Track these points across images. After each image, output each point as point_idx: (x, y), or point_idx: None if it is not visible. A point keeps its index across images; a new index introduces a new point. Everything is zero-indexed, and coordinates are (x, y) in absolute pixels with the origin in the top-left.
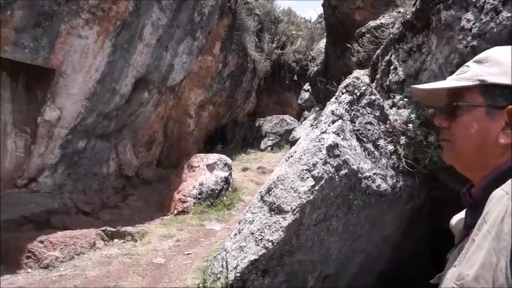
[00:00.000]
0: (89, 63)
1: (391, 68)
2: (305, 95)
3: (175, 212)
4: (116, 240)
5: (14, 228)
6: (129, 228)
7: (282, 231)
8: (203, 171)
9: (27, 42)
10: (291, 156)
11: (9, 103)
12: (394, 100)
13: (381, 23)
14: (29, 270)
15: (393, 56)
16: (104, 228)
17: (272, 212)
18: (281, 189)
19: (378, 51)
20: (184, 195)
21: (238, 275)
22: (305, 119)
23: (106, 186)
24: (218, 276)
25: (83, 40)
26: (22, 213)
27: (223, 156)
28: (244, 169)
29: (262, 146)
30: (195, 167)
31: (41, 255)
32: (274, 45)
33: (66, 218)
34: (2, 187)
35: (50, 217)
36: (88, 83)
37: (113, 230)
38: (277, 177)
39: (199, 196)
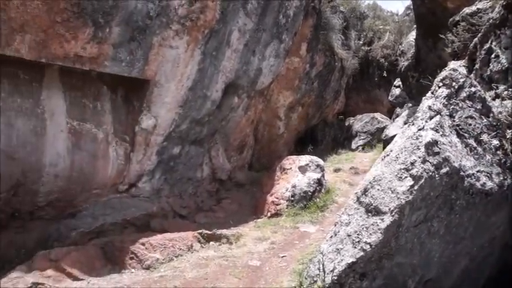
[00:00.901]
0: (181, 72)
1: (492, 56)
2: (396, 91)
3: (269, 214)
4: (211, 242)
5: (118, 231)
6: (224, 231)
7: (380, 233)
8: (295, 173)
9: (124, 56)
10: (387, 155)
11: (110, 114)
12: (497, 91)
13: (477, 8)
14: (133, 270)
15: (494, 43)
16: (200, 231)
17: (369, 214)
18: (378, 189)
19: (476, 39)
20: (277, 198)
21: (336, 278)
22: (397, 116)
23: (200, 190)
24: (315, 279)
25: (174, 50)
26: (124, 217)
27: (315, 158)
28: (336, 170)
29: (353, 145)
30: (287, 169)
31: (143, 257)
32: (361, 42)
33: (165, 221)
34: (106, 192)
35: (149, 220)
36: (180, 91)
37: (209, 232)
38: (373, 178)
39: (292, 198)
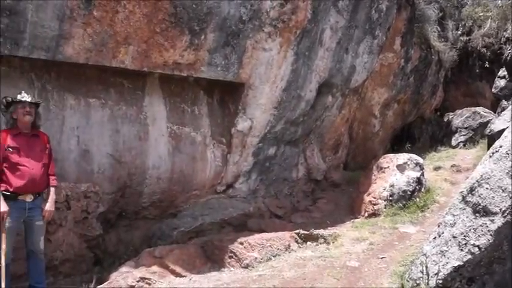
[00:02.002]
0: (274, 74)
1: None
2: (501, 83)
3: (366, 214)
4: (309, 242)
5: (216, 230)
6: (321, 231)
7: (490, 235)
8: (393, 172)
9: (219, 61)
10: (496, 151)
11: (207, 117)
12: None
13: None
14: (232, 268)
15: None
16: (297, 231)
17: (477, 214)
18: (486, 188)
19: None
20: (374, 197)
21: (440, 281)
22: (503, 109)
23: (296, 190)
24: (417, 282)
25: (267, 52)
26: (222, 217)
27: (414, 156)
28: (436, 168)
29: (453, 142)
30: (385, 168)
31: (242, 256)
32: (459, 32)
33: (261, 221)
34: (205, 193)
35: (246, 220)
36: (275, 92)
37: (306, 232)
38: (481, 176)
39: (391, 198)
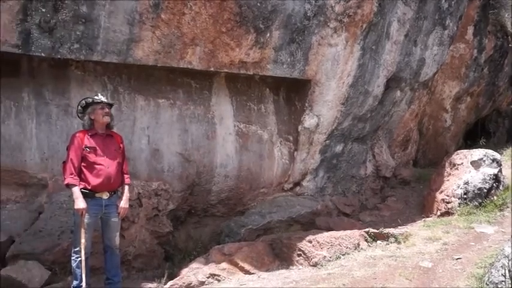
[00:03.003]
0: (341, 69)
1: None
2: None
3: (439, 213)
4: (379, 241)
5: (283, 228)
6: (391, 230)
7: None
8: (467, 169)
9: (285, 58)
10: None
11: (274, 115)
12: None
13: None
14: (300, 266)
15: None
16: (366, 229)
17: None
18: None
19: None
20: (447, 196)
21: None
22: None
23: (364, 187)
24: (499, 286)
25: (333, 48)
26: (290, 215)
27: (490, 151)
28: None
29: None
30: (458, 164)
31: (310, 254)
32: None
33: (329, 219)
34: (272, 191)
35: (314, 218)
36: (341, 88)
37: (376, 231)
38: None
39: (465, 196)
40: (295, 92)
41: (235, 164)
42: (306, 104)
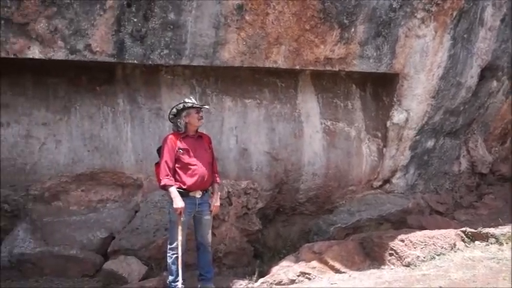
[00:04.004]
0: (430, 61)
1: None
2: None
3: None
4: (477, 242)
5: (373, 227)
6: (491, 230)
7: None
8: None
9: (371, 53)
10: None
11: (361, 111)
12: None
13: None
14: (392, 266)
15: None
16: (463, 229)
17: None
18: None
19: None
20: None
21: None
22: None
23: (458, 185)
24: None
25: (421, 39)
26: (380, 213)
27: None
28: None
29: None
30: None
31: (403, 254)
32: None
33: (422, 218)
34: (361, 189)
35: (405, 216)
36: (431, 81)
37: (474, 231)
38: None
39: None
40: (382, 87)
41: (323, 161)
42: (394, 99)
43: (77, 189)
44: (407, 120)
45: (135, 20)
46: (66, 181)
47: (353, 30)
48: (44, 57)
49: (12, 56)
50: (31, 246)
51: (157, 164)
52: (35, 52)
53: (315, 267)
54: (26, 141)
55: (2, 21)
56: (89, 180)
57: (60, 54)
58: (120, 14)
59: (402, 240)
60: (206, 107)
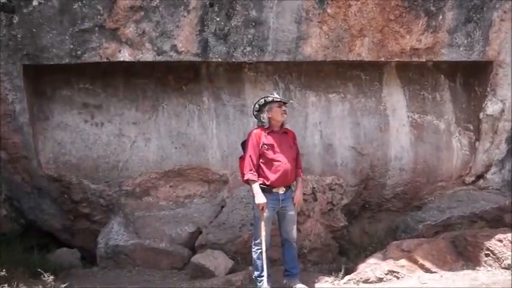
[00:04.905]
0: None
1: None
2: None
3: None
4: None
5: (465, 225)
6: None
7: None
8: None
9: (461, 41)
10: None
11: (450, 103)
12: None
13: None
14: (489, 268)
15: None
16: None
17: None
18: None
19: None
20: None
21: None
22: None
23: None
24: None
25: None
26: (472, 210)
27: None
28: None
29: None
30: None
31: (501, 255)
32: None
33: None
34: (451, 185)
35: (502, 215)
36: None
37: None
38: None
39: None
40: (474, 77)
41: (410, 156)
42: (488, 89)
43: (165, 185)
44: (503, 111)
45: (218, 19)
46: (155, 177)
47: (441, 17)
48: (133, 60)
49: (105, 60)
50: (124, 238)
51: (241, 158)
52: (125, 55)
53: (403, 266)
54: (119, 140)
55: (96, 28)
56: (177, 177)
57: (148, 56)
58: (203, 14)
59: (500, 240)
60: (290, 101)
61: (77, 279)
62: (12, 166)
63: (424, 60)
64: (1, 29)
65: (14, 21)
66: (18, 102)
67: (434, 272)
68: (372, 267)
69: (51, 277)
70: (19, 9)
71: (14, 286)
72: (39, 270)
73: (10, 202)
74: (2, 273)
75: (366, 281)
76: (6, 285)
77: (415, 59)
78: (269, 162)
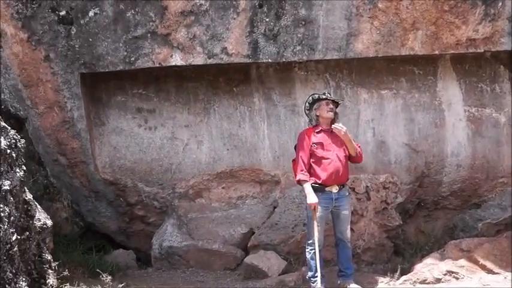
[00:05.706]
0: None
1: None
2: None
3: None
4: None
5: None
6: None
7: None
8: None
9: None
10: None
11: (510, 95)
12: None
13: None
14: None
15: None
16: None
17: None
18: None
19: None
20: None
21: None
22: None
23: None
24: None
25: None
26: None
27: None
28: None
29: None
30: None
31: None
32: None
33: None
34: None
35: None
36: None
37: None
38: None
39: None
40: None
41: (468, 152)
42: None
43: (218, 187)
44: None
45: (267, 19)
46: (208, 179)
47: (500, 4)
48: (185, 64)
49: (157, 65)
50: (178, 240)
51: (294, 161)
52: (176, 59)
53: (463, 266)
54: (171, 143)
55: (148, 35)
56: (229, 178)
57: (199, 60)
58: (253, 15)
59: None
60: (341, 100)
61: (133, 279)
62: (72, 171)
63: (482, 50)
64: (60, 40)
65: (72, 32)
66: (77, 109)
67: (497, 273)
68: (429, 267)
69: (109, 277)
70: (76, 21)
71: (75, 285)
72: (97, 270)
73: (70, 205)
74: (65, 273)
75: (423, 282)
76: (68, 284)
77: (471, 50)
78: (319, 161)
